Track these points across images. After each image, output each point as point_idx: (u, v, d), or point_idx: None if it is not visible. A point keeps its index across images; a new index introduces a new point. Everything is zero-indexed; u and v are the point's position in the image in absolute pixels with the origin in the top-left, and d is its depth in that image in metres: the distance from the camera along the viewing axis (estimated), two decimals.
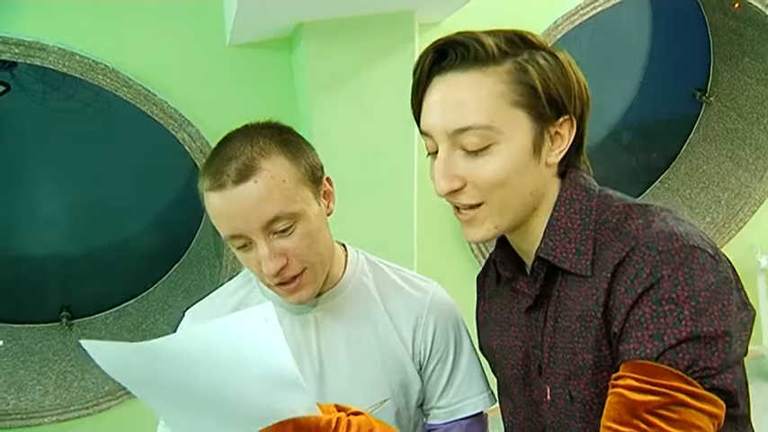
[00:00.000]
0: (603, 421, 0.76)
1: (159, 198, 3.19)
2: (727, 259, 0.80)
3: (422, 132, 0.89)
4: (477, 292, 1.10)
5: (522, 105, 0.81)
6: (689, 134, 3.58)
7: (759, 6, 2.86)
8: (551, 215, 0.87)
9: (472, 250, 2.93)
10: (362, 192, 2.28)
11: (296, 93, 2.36)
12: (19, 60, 2.07)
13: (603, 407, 0.81)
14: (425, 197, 2.53)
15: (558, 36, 2.68)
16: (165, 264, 3.18)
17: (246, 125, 1.01)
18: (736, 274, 0.80)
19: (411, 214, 2.43)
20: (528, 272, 0.93)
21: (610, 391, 0.77)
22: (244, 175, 0.91)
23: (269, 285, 1.00)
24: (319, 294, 1.06)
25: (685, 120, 3.58)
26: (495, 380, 1.04)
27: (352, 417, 0.59)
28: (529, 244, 0.91)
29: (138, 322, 3.00)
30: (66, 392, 2.72)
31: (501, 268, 0.98)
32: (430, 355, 1.10)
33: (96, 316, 3.09)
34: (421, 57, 0.86)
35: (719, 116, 3.45)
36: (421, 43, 2.18)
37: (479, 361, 1.15)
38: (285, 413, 0.56)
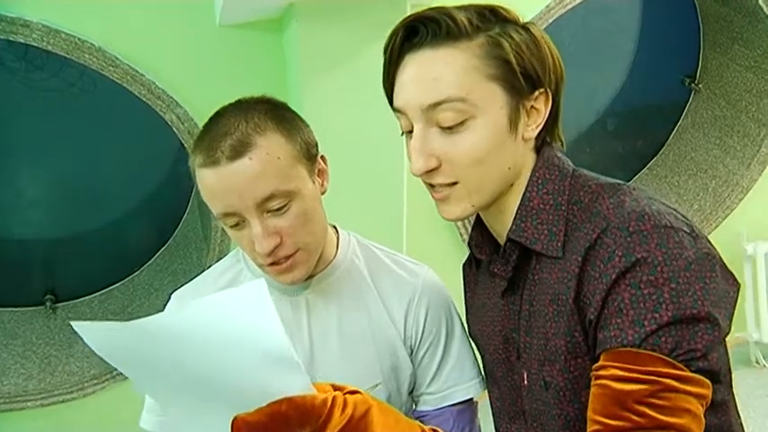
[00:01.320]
0: (590, 415, 0.73)
1: (145, 181, 3.15)
2: (705, 236, 0.77)
3: (395, 110, 0.86)
4: (463, 280, 1.08)
5: (496, 79, 0.80)
6: (678, 121, 3.59)
7: None
8: (523, 195, 0.86)
9: (461, 235, 2.92)
10: (352, 174, 2.26)
11: (286, 74, 2.33)
12: (1, 37, 2.02)
13: (577, 393, 0.80)
14: (415, 180, 2.51)
15: (550, 20, 2.66)
16: (152, 247, 3.15)
17: (240, 100, 0.98)
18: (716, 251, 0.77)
19: (401, 198, 2.42)
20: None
21: (593, 382, 0.74)
22: (238, 151, 0.89)
23: (261, 265, 0.98)
24: (311, 276, 1.04)
25: (674, 106, 3.59)
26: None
27: (348, 396, 0.58)
28: (503, 225, 0.89)
29: (124, 306, 2.97)
30: (50, 377, 2.69)
31: (477, 251, 0.97)
32: (421, 338, 1.09)
33: (81, 299, 3.06)
34: (391, 34, 0.84)
35: (708, 103, 3.46)
36: None
37: (471, 346, 1.13)
38: (279, 392, 0.54)
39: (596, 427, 0.72)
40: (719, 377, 0.74)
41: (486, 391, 1.07)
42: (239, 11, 2.13)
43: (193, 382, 0.58)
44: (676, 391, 0.69)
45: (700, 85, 3.46)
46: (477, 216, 0.94)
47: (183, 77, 2.29)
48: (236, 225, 0.93)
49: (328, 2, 2.03)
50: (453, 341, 1.11)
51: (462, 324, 1.13)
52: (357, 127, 2.23)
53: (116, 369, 2.60)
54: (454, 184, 0.84)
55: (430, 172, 0.83)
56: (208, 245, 2.64)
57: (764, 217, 3.27)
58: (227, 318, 0.54)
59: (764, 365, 3.27)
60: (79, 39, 2.08)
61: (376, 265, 1.11)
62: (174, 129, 2.33)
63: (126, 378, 2.69)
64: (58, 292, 3.04)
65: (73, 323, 0.55)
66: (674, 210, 0.78)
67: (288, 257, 0.95)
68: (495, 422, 1.00)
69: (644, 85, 3.54)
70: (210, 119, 0.96)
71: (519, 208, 0.85)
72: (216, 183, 0.90)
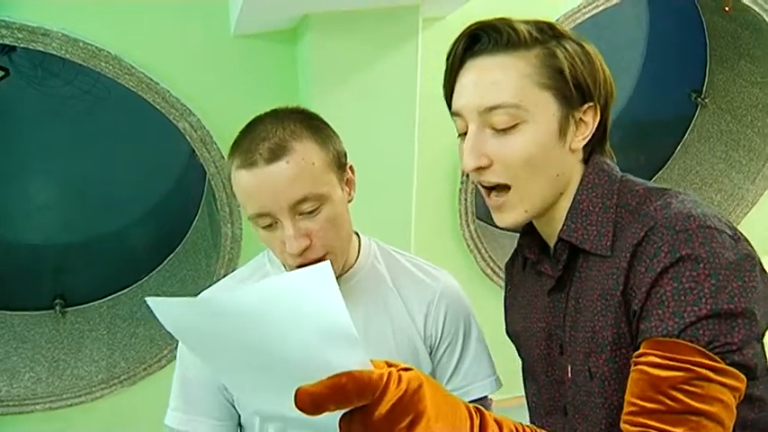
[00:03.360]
0: (627, 397, 0.78)
1: (155, 187, 3.18)
2: (746, 239, 0.81)
3: (453, 114, 0.92)
4: (505, 279, 1.14)
5: (549, 88, 0.86)
6: (684, 135, 3.61)
7: (756, 10, 2.88)
8: (574, 198, 0.91)
9: (468, 246, 2.94)
10: (362, 184, 2.29)
11: (299, 85, 2.36)
12: (22, 45, 2.05)
13: (622, 383, 0.83)
14: (424, 192, 2.54)
15: None
16: (161, 253, 3.17)
17: (275, 109, 1.03)
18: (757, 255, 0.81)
19: (409, 209, 2.44)
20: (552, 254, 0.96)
21: (632, 368, 0.79)
22: (276, 154, 0.94)
23: (290, 267, 1.02)
24: None
25: (681, 120, 3.61)
26: (520, 363, 1.07)
27: (402, 372, 0.61)
28: (553, 228, 0.94)
29: (133, 311, 2.99)
30: (58, 380, 2.71)
31: (526, 251, 1.02)
32: (440, 339, 1.14)
33: (90, 304, 3.08)
34: (455, 41, 0.91)
35: (714, 118, 3.48)
36: (424, 38, 2.19)
37: (487, 347, 1.18)
38: (339, 367, 0.57)
39: (632, 408, 0.76)
40: (755, 373, 0.77)
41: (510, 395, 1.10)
42: (254, 21, 2.16)
43: (258, 356, 0.60)
44: (710, 380, 0.73)
45: (706, 100, 3.49)
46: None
47: (197, 86, 2.32)
48: (269, 226, 0.98)
49: (342, 14, 2.05)
50: (470, 341, 1.17)
51: (478, 325, 1.18)
52: (367, 138, 2.26)
53: (124, 374, 2.64)
54: (506, 188, 0.89)
55: (481, 170, 0.88)
56: (217, 252, 2.66)
57: None
58: (293, 296, 0.56)
59: None
60: (96, 47, 2.11)
61: (397, 269, 1.15)
62: (187, 137, 2.36)
63: (134, 383, 2.71)
64: (67, 297, 3.06)
65: (147, 299, 0.58)
66: (718, 213, 0.82)
67: (317, 260, 0.98)
68: (530, 416, 1.05)
69: (651, 99, 3.56)
70: (248, 125, 1.01)
71: (570, 210, 0.90)
72: (252, 184, 0.95)
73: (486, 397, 1.17)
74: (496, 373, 1.18)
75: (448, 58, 0.92)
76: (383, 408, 0.57)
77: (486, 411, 0.68)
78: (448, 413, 0.61)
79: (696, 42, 3.42)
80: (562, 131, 0.87)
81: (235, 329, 0.58)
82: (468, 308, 1.18)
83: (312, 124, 1.01)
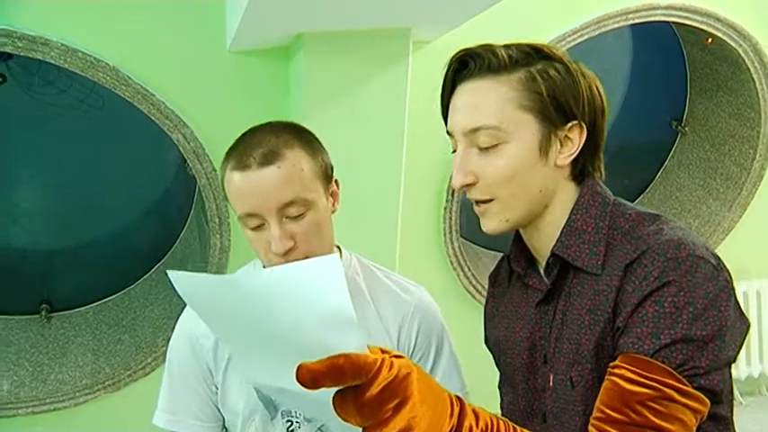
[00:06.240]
0: (597, 403, 0.83)
1: (145, 196, 3.22)
2: (727, 269, 0.87)
3: (448, 133, 0.99)
4: (488, 289, 1.18)
5: (530, 110, 0.91)
6: (664, 161, 3.71)
7: (733, 45, 3.00)
8: (569, 217, 0.96)
9: (451, 263, 3.00)
10: (350, 201, 2.33)
11: (290, 101, 2.42)
12: (22, 54, 2.10)
13: None
14: (410, 210, 2.59)
15: None
16: (149, 261, 3.21)
17: (270, 122, 1.11)
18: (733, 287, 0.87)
19: (395, 226, 2.49)
20: (539, 268, 1.02)
21: (606, 377, 0.84)
22: (269, 159, 1.01)
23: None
24: None
25: (661, 147, 3.71)
26: (498, 372, 1.11)
27: (394, 359, 0.65)
28: (541, 242, 0.99)
29: (119, 318, 3.01)
30: (42, 385, 2.72)
31: (514, 264, 1.06)
32: (413, 352, 1.18)
33: (76, 310, 3.09)
34: (447, 66, 0.98)
35: (693, 146, 3.58)
36: (414, 60, 2.26)
37: (458, 362, 1.22)
38: (339, 349, 0.62)
39: (599, 414, 0.82)
40: (721, 397, 0.83)
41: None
42: (250, 38, 2.22)
43: (265, 334, 0.66)
44: (674, 401, 0.78)
45: (686, 128, 3.59)
46: (517, 232, 1.04)
47: (192, 99, 2.37)
48: (257, 227, 1.04)
49: (335, 34, 2.12)
50: (442, 357, 1.20)
51: (451, 341, 1.22)
52: (356, 155, 2.31)
53: (108, 380, 2.65)
54: (490, 200, 0.95)
55: (468, 186, 0.95)
56: (206, 262, 2.69)
57: (743, 257, 3.37)
58: (304, 283, 0.61)
59: (741, 402, 3.35)
60: (95, 58, 2.16)
61: (374, 283, 1.20)
62: (180, 148, 2.41)
63: (118, 389, 2.73)
64: (53, 302, 3.08)
65: (168, 272, 0.64)
66: (704, 242, 0.88)
67: None
68: None
69: (633, 126, 3.64)
70: (243, 134, 1.09)
71: (564, 228, 0.95)
72: (245, 185, 1.02)
73: None
74: (466, 388, 1.22)
75: (443, 81, 0.99)
76: (374, 389, 0.62)
77: (465, 402, 0.73)
78: (431, 399, 0.66)
79: (677, 73, 3.53)
80: (543, 150, 0.92)
81: (247, 308, 0.64)
82: (442, 323, 1.23)
83: (304, 136, 1.09)
